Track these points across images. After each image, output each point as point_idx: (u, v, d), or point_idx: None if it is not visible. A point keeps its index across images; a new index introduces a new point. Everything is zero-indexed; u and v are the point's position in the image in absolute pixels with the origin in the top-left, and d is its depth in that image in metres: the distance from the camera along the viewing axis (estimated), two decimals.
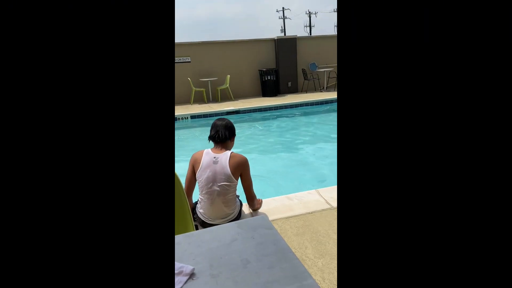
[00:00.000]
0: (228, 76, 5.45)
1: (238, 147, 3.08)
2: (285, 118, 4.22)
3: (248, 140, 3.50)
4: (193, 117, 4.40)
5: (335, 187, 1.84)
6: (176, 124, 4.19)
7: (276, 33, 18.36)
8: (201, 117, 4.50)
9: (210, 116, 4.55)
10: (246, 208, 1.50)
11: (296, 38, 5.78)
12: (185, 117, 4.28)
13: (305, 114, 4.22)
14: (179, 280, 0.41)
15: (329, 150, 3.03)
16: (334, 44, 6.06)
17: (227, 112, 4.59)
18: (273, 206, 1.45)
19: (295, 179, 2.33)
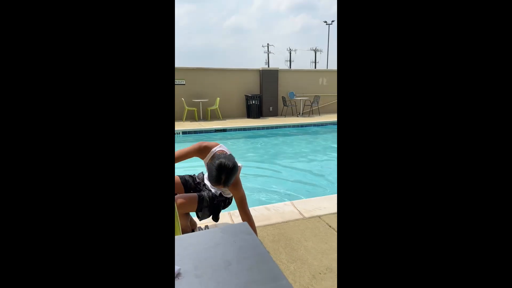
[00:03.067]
0: (218, 98, 5.85)
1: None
2: (265, 137, 4.51)
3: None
4: (184, 132, 4.69)
5: (308, 199, 1.85)
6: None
7: (261, 65, 21.24)
8: (192, 133, 4.82)
9: (200, 133, 4.87)
10: (228, 217, 1.52)
11: (278, 70, 6.30)
12: (177, 133, 4.57)
13: (284, 135, 4.56)
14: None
15: (303, 165, 3.21)
16: (310, 77, 6.66)
17: (215, 129, 4.91)
18: (253, 215, 1.46)
19: (273, 191, 2.40)
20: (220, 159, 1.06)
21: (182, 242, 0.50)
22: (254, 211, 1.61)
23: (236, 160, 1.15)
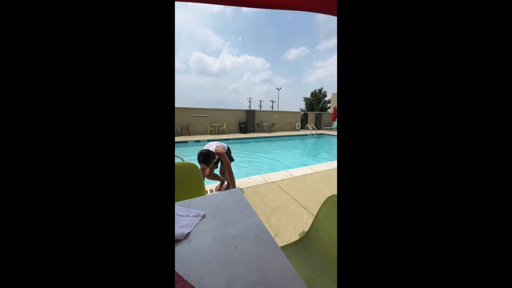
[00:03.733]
0: (225, 123, 8.86)
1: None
2: (249, 143, 6.94)
3: (233, 154, 5.03)
4: (208, 140, 6.97)
5: (269, 173, 2.79)
6: (199, 144, 6.60)
7: (246, 107, 31.38)
8: (211, 140, 6.86)
9: (215, 140, 6.59)
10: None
11: (255, 110, 9.77)
12: (204, 140, 7.00)
13: (258, 141, 7.20)
14: (198, 218, 0.70)
15: (267, 155, 4.73)
16: (269, 114, 10.31)
17: (223, 139, 7.32)
18: (241, 181, 2.44)
19: (252, 168, 3.58)
20: (201, 150, 1.59)
21: (206, 198, 0.84)
22: (241, 179, 2.53)
23: (229, 151, 1.90)
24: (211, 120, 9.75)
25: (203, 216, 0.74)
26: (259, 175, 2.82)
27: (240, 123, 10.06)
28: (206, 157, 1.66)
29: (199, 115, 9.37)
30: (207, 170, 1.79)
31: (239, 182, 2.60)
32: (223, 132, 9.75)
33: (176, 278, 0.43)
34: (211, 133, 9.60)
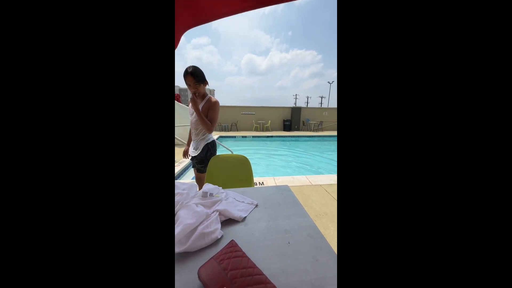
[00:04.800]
0: (270, 120, 9.05)
1: (265, 155, 5.00)
2: (291, 141, 6.93)
3: (273, 152, 5.40)
4: (254, 136, 7.47)
5: (313, 175, 2.68)
6: (244, 139, 7.15)
7: (292, 104, 30.83)
8: (256, 137, 7.40)
9: (259, 137, 7.42)
10: (270, 182, 2.38)
11: (301, 107, 9.42)
12: (249, 136, 7.50)
13: (302, 140, 7.02)
14: (252, 206, 0.75)
15: (309, 156, 4.56)
16: (318, 111, 9.68)
17: (267, 136, 7.54)
18: (285, 182, 2.47)
19: (295, 167, 3.59)
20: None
21: (256, 190, 0.89)
22: (283, 177, 2.57)
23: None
24: (257, 117, 10.09)
25: (256, 205, 0.79)
26: (303, 176, 2.76)
27: (284, 121, 9.98)
28: (195, 70, 1.12)
29: (247, 112, 9.84)
30: (195, 92, 1.17)
31: (281, 179, 2.62)
32: (267, 129, 9.96)
33: (241, 253, 0.48)
34: (256, 129, 9.98)
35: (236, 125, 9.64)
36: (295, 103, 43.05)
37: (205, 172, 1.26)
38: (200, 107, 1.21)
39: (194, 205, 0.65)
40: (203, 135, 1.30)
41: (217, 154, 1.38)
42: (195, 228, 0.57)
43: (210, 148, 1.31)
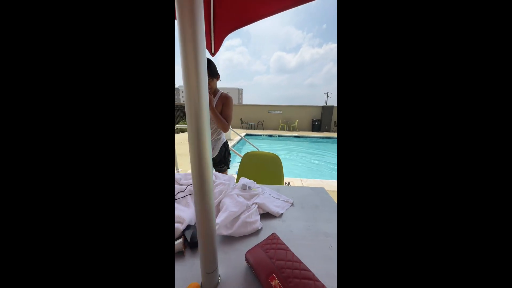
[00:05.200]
0: (297, 120, 8.79)
1: (293, 153, 4.88)
2: (320, 143, 6.63)
3: (301, 152, 5.29)
4: (280, 136, 7.45)
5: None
6: (269, 138, 7.13)
7: (322, 103, 28.06)
8: (282, 136, 7.32)
9: (286, 136, 7.30)
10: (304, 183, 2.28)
11: (333, 106, 8.80)
12: (275, 135, 7.50)
13: (333, 142, 6.70)
14: (288, 204, 0.75)
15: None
16: None
17: (294, 136, 7.35)
18: (314, 184, 2.36)
19: (321, 168, 3.44)
20: None
21: (291, 189, 0.89)
22: (313, 180, 2.48)
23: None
24: (284, 116, 9.96)
25: (292, 204, 0.78)
26: (334, 180, 2.62)
27: (313, 121, 9.57)
28: (208, 63, 1.02)
29: (274, 111, 9.77)
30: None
31: (309, 181, 2.54)
32: (294, 129, 9.77)
33: (284, 246, 0.48)
34: (282, 129, 9.87)
35: (262, 123, 9.66)
36: (326, 102, 40.30)
37: (226, 170, 1.24)
38: (213, 104, 1.13)
39: (235, 195, 0.68)
40: (218, 134, 1.22)
41: (248, 151, 1.40)
42: (238, 217, 0.59)
43: (226, 148, 1.28)
